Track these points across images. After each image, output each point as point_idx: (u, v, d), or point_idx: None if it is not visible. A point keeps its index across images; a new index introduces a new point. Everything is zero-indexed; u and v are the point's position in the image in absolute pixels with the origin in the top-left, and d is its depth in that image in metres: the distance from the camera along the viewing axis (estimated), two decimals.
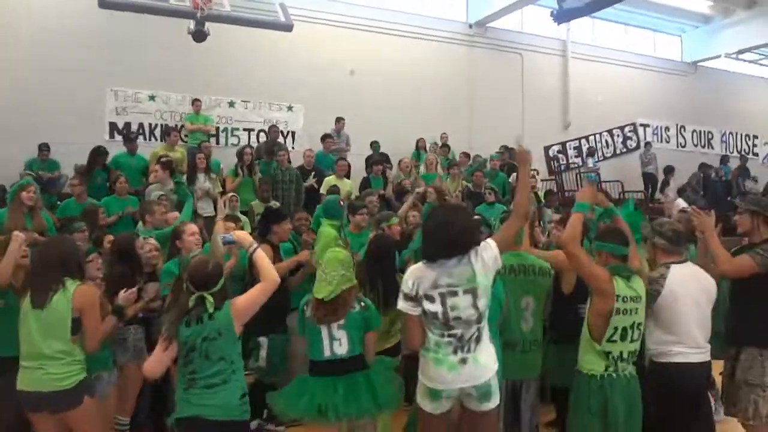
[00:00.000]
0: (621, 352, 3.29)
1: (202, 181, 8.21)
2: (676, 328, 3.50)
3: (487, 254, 3.00)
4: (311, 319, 3.41)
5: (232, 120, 11.37)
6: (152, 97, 10.73)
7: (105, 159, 8.42)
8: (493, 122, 13.49)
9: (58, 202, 7.99)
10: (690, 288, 3.54)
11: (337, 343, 3.35)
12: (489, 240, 3.08)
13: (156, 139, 10.55)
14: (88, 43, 10.13)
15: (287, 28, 6.41)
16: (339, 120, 11.05)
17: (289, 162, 9.33)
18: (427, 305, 2.95)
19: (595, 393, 3.28)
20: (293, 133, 11.90)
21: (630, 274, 3.36)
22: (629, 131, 16.04)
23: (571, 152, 15.09)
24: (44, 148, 9.38)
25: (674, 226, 3.77)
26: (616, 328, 3.27)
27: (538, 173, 12.26)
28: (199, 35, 6.12)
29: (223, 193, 8.25)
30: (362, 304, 3.45)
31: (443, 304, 2.93)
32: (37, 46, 9.83)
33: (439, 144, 11.67)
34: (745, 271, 3.62)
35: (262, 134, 11.41)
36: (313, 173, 9.24)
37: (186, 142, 10.23)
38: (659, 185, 14.36)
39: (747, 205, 3.83)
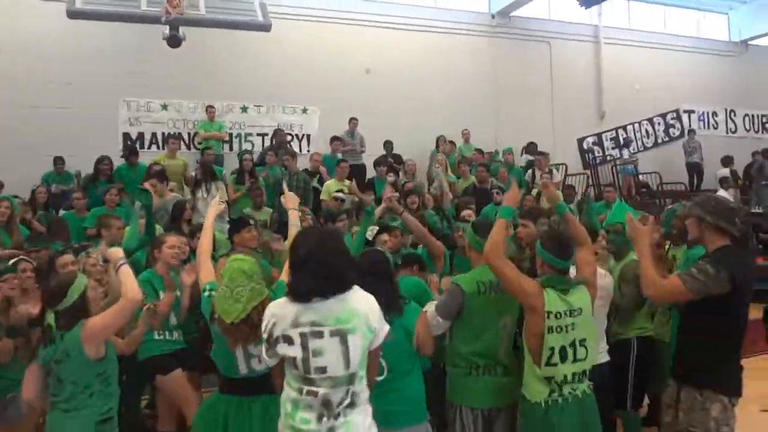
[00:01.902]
0: (565, 375, 2.86)
1: (206, 191, 8.02)
2: None
3: (373, 304, 2.42)
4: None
5: (245, 125, 11.25)
6: (164, 106, 10.74)
7: (109, 169, 8.39)
8: (520, 116, 12.95)
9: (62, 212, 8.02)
10: None
11: (255, 360, 2.81)
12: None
13: None
14: (100, 56, 10.22)
15: (265, 28, 6.16)
16: (352, 120, 10.75)
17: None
18: (284, 349, 2.32)
19: (540, 422, 2.86)
20: (308, 136, 11.69)
21: (567, 287, 2.90)
22: (672, 119, 15.06)
23: (607, 143, 14.26)
24: (59, 161, 9.44)
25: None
26: (552, 349, 2.83)
27: (564, 169, 11.63)
28: (174, 40, 5.96)
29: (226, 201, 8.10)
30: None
31: (304, 347, 2.30)
32: (49, 61, 9.99)
33: (448, 140, 11.22)
34: (674, 296, 3.03)
35: None
36: (318, 176, 8.98)
37: (199, 149, 10.19)
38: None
39: (692, 209, 3.18)
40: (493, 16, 13.24)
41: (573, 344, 2.86)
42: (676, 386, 3.13)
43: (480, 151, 10.61)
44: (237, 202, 7.99)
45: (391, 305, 2.86)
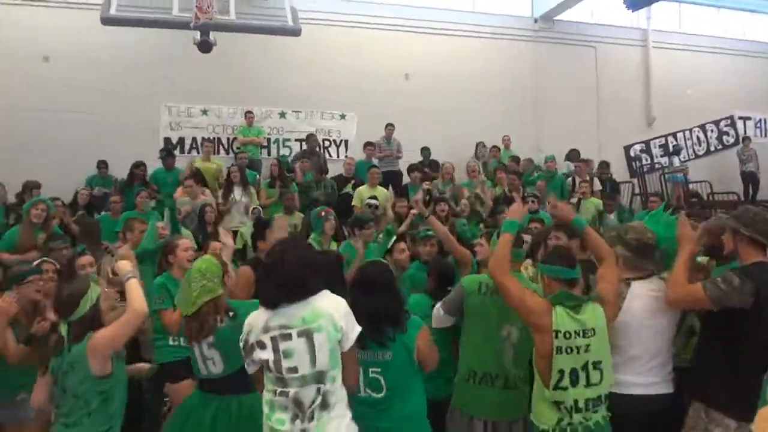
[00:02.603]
0: (576, 401, 2.66)
1: (238, 195, 8.07)
2: (625, 355, 2.93)
3: (340, 305, 2.52)
4: None
5: (283, 131, 11.30)
6: (204, 111, 10.89)
7: (144, 173, 8.54)
8: (563, 122, 12.58)
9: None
10: (647, 309, 2.93)
11: (210, 362, 2.93)
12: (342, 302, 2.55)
13: None
14: (143, 63, 10.44)
15: (294, 32, 6.13)
16: (388, 126, 10.64)
17: (326, 172, 9.06)
18: (258, 354, 2.48)
19: None
20: (346, 142, 11.65)
21: (577, 303, 2.70)
22: (726, 125, 14.38)
23: (656, 151, 13.72)
24: (102, 164, 9.73)
25: (641, 234, 3.06)
26: (561, 372, 2.64)
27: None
28: (205, 46, 6.02)
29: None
30: (231, 314, 2.94)
31: (275, 350, 2.44)
32: (95, 68, 10.24)
33: (488, 147, 10.99)
34: (693, 302, 2.89)
35: None
36: (353, 182, 8.93)
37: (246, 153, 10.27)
38: None
39: (727, 221, 3.01)
40: (536, 21, 12.94)
41: (585, 367, 2.67)
42: (687, 400, 2.97)
43: (516, 159, 10.36)
44: (269, 207, 7.99)
45: (393, 321, 2.77)
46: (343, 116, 11.64)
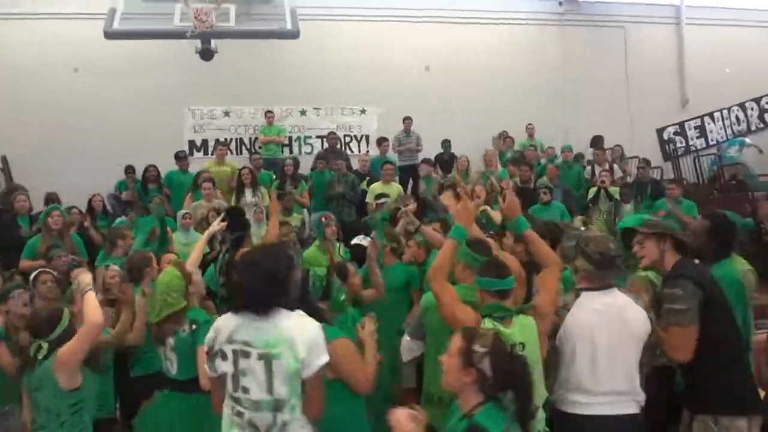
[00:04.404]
0: None
1: (249, 197, 8.14)
2: (575, 371, 2.72)
3: (305, 331, 2.33)
4: None
5: (305, 128, 11.43)
6: (227, 113, 11.11)
7: (155, 175, 8.80)
8: (592, 107, 12.27)
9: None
10: (602, 321, 2.72)
11: (169, 363, 3.19)
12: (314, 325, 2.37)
13: (231, 153, 10.83)
14: (166, 68, 10.62)
15: (293, 35, 6.14)
16: (406, 120, 10.57)
17: (349, 169, 9.05)
18: (219, 363, 2.37)
19: None
20: (367, 137, 11.66)
21: (506, 315, 2.64)
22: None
23: (691, 133, 13.20)
24: (129, 170, 9.98)
25: (603, 247, 2.84)
26: None
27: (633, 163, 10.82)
28: (206, 54, 6.09)
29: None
30: (193, 326, 3.10)
31: (235, 364, 2.33)
32: (120, 76, 10.55)
33: (504, 136, 10.82)
34: (691, 341, 2.77)
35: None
36: (367, 178, 8.93)
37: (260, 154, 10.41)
38: None
39: (650, 228, 2.90)
40: (560, 3, 12.59)
41: None
42: (688, 417, 2.85)
43: (534, 148, 10.16)
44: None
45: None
46: (363, 111, 11.67)
